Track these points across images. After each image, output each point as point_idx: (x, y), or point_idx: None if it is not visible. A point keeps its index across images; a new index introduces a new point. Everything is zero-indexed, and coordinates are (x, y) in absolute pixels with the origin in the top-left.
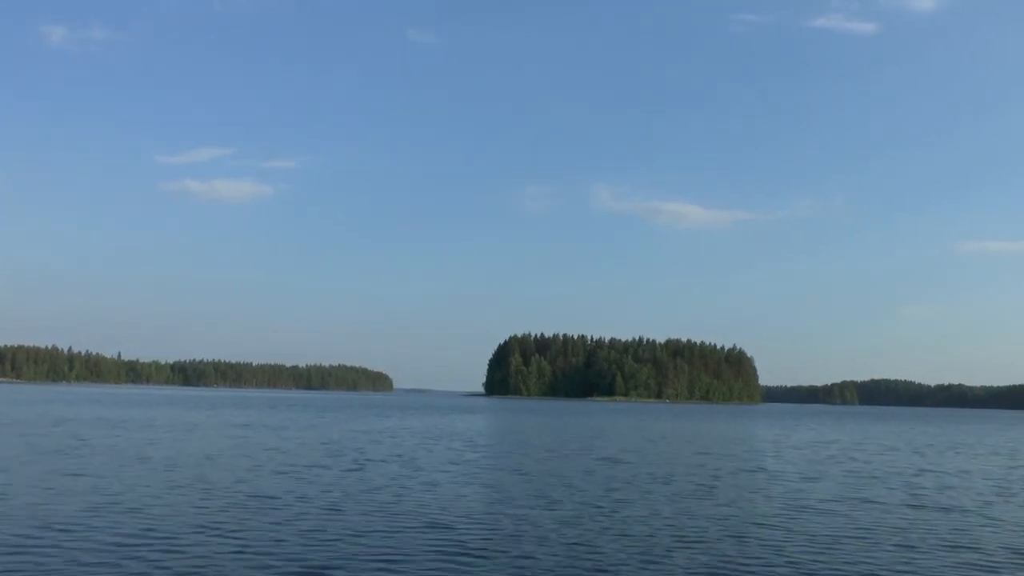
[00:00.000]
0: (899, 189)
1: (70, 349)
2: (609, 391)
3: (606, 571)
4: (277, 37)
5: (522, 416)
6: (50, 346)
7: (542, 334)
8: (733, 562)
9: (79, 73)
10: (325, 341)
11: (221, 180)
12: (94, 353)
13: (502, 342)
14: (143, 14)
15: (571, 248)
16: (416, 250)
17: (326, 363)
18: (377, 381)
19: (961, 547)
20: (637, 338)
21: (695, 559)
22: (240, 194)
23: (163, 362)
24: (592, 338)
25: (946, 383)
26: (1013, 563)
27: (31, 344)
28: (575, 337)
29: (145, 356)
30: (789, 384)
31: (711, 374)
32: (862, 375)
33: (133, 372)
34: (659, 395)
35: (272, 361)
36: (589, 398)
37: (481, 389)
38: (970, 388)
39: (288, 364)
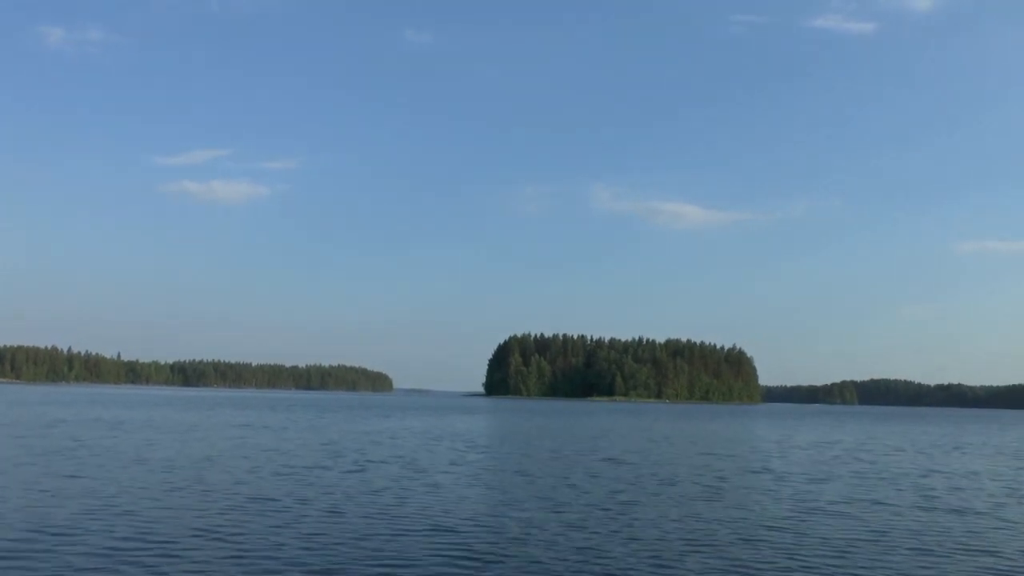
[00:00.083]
0: (898, 189)
1: (69, 349)
2: (609, 391)
3: None
4: (274, 38)
5: (522, 416)
6: (49, 346)
7: (542, 334)
8: (747, 567)
9: (77, 74)
10: (324, 341)
11: (219, 181)
12: (93, 353)
13: (502, 342)
14: (140, 15)
15: (570, 248)
16: (415, 250)
17: (325, 363)
18: (377, 381)
19: (978, 551)
20: (637, 338)
21: (707, 563)
22: (238, 195)
23: (163, 362)
24: (592, 338)
25: (945, 383)
26: None
27: (30, 344)
28: (575, 337)
29: (145, 356)
30: (789, 384)
31: (711, 374)
32: (862, 375)
33: (133, 372)
34: (659, 395)
35: (272, 361)
36: (589, 398)
37: (481, 389)
38: (970, 388)
39: (288, 364)
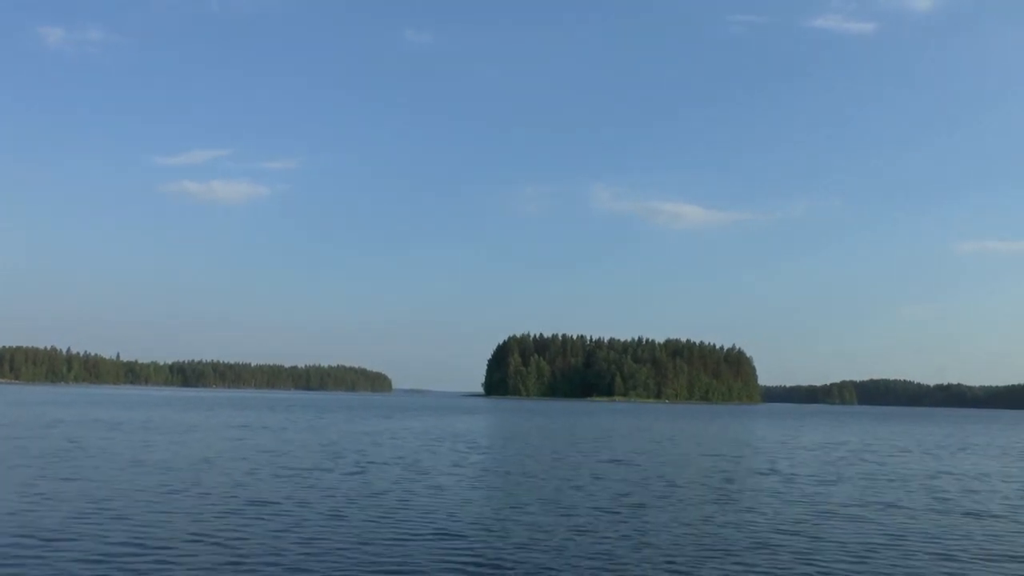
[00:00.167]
0: (898, 189)
1: (69, 350)
2: (608, 391)
3: None
4: (274, 38)
5: (523, 417)
6: (49, 347)
7: (541, 334)
8: (765, 574)
9: (77, 74)
10: (324, 342)
11: (219, 181)
12: (93, 354)
13: (501, 342)
14: (140, 15)
15: (570, 248)
16: (414, 250)
17: (325, 364)
18: (376, 381)
19: (1003, 557)
20: (636, 338)
21: (725, 570)
22: (238, 195)
23: (162, 363)
24: (591, 338)
25: (945, 383)
26: None
27: (30, 345)
28: (574, 337)
29: (144, 357)
30: (788, 384)
31: (710, 374)
32: (861, 375)
33: (132, 373)
34: (658, 395)
35: (271, 362)
36: (588, 398)
37: (480, 389)
38: (969, 388)
39: (287, 365)
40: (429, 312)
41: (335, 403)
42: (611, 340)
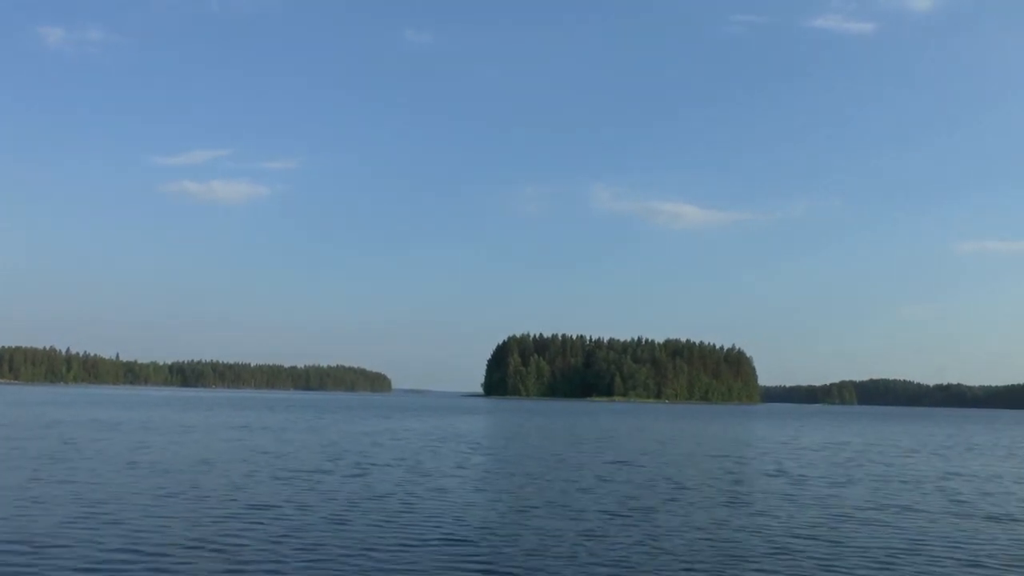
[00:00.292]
0: (898, 189)
1: (68, 350)
2: (608, 391)
3: None
4: (274, 38)
5: (523, 417)
6: (48, 347)
7: (540, 334)
8: None
9: (77, 74)
10: (323, 342)
11: (219, 181)
12: (92, 354)
13: (500, 342)
14: (140, 15)
15: (570, 248)
16: (414, 250)
17: (324, 364)
18: (375, 382)
19: None
20: (636, 338)
21: None
22: (238, 195)
23: (161, 363)
24: (591, 338)
25: (945, 383)
26: None
27: (29, 345)
28: (574, 337)
29: (143, 357)
30: (788, 384)
31: (710, 374)
32: (861, 375)
33: (131, 373)
34: (658, 395)
35: (270, 362)
36: (588, 398)
37: (479, 389)
38: (969, 388)
39: (286, 365)
40: (429, 312)
41: (335, 403)
42: (611, 340)
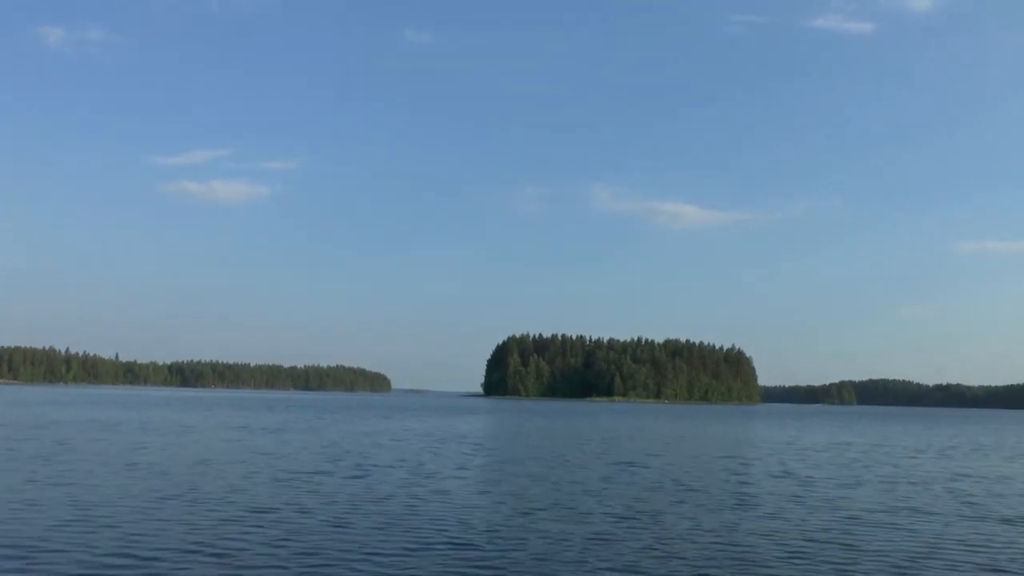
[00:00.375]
0: (898, 189)
1: (67, 350)
2: (608, 391)
3: None
4: (274, 38)
5: (524, 417)
6: (47, 347)
7: (540, 334)
8: None
9: (77, 74)
10: (323, 342)
11: (219, 181)
12: (91, 354)
13: (500, 342)
14: (140, 15)
15: (570, 248)
16: (413, 250)
17: (324, 364)
18: (375, 382)
19: None
20: (636, 338)
21: None
22: (238, 195)
23: (160, 363)
24: (590, 338)
25: (944, 383)
26: None
27: (28, 345)
28: (573, 337)
29: (143, 357)
30: (788, 384)
31: (710, 374)
32: (860, 375)
33: (130, 373)
34: (658, 395)
35: (270, 362)
36: (588, 398)
37: (479, 390)
38: (968, 388)
39: (286, 365)
40: (429, 312)
41: (334, 403)
42: (611, 340)
